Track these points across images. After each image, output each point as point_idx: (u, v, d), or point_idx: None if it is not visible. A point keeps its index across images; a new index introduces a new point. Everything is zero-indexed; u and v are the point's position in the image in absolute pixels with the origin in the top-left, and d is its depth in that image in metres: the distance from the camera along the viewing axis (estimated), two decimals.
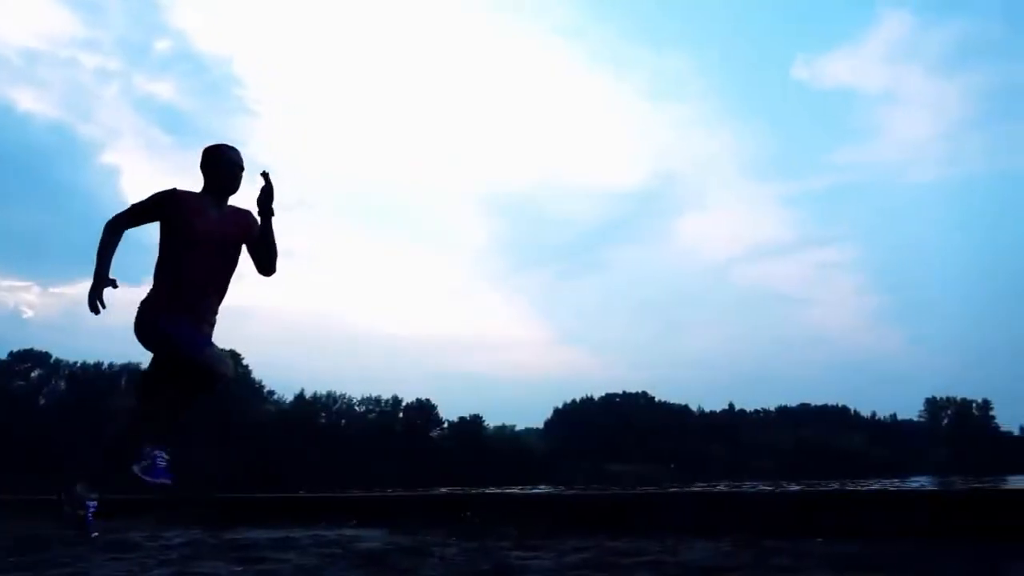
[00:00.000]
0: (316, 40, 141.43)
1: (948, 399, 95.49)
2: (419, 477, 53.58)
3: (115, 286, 3.17)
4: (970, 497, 2.60)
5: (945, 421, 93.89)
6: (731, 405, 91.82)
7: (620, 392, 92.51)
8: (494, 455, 72.46)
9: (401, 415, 76.80)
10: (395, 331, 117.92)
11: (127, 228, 3.29)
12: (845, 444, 76.84)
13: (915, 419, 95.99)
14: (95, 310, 3.11)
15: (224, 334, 3.42)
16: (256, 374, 67.01)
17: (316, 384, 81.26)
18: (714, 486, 27.42)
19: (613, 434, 79.80)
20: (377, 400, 76.10)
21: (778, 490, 4.09)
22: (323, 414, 72.36)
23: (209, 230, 3.28)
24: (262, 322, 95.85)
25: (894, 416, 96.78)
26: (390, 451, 65.08)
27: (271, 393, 69.13)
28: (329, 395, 73.29)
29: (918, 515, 2.49)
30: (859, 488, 4.33)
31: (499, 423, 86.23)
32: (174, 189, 3.33)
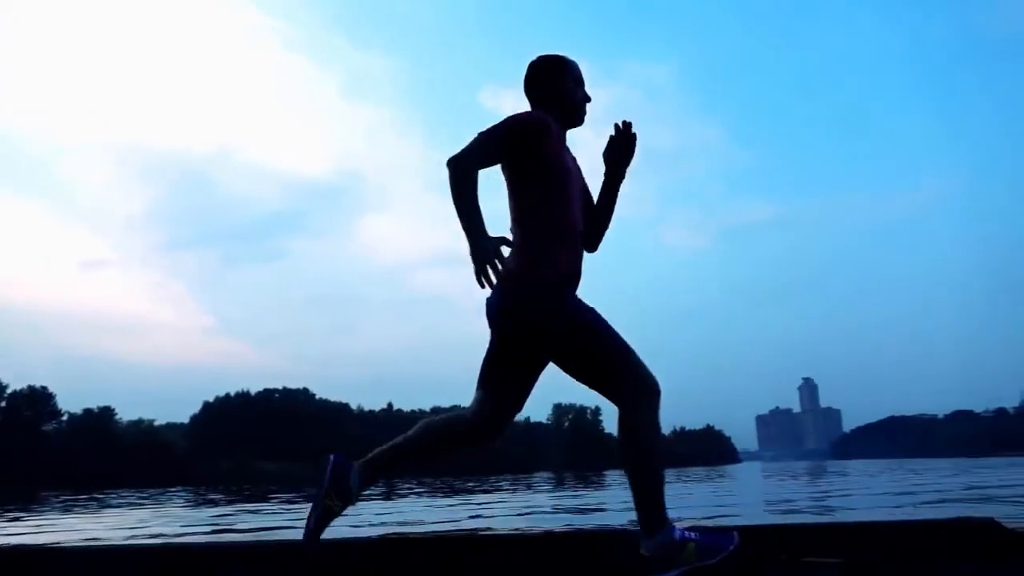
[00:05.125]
0: None
1: (570, 405, 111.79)
2: (24, 480, 45.02)
3: (508, 244, 2.06)
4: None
5: (567, 424, 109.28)
6: (390, 405, 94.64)
7: (280, 388, 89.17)
8: (125, 453, 63.99)
9: (3, 404, 63.47)
10: (5, 303, 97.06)
11: (482, 168, 2.11)
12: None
13: (544, 421, 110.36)
14: (486, 282, 1.97)
15: None
16: None
17: None
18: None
19: (268, 431, 76.29)
20: None
21: None
22: None
23: (575, 173, 2.28)
24: None
25: (528, 419, 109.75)
26: None
27: None
28: None
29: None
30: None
31: (135, 417, 77.27)
32: (543, 113, 2.23)
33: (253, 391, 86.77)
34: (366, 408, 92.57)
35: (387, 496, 15.24)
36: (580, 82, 2.30)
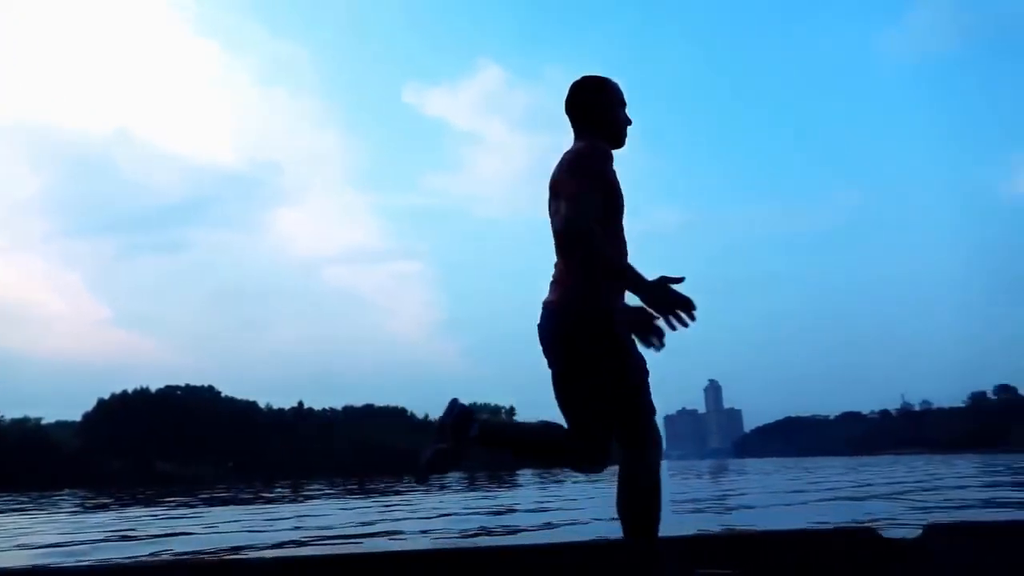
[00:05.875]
0: None
1: (484, 404, 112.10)
2: None
3: (674, 280, 1.94)
4: None
5: None
6: (300, 403, 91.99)
7: (182, 385, 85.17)
8: (7, 453, 59.55)
9: None
10: None
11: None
12: (404, 443, 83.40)
13: None
14: (679, 324, 1.93)
15: None
16: None
17: None
18: (273, 487, 26.76)
19: (168, 430, 72.69)
20: None
21: None
22: None
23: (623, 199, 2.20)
24: None
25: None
26: None
27: None
28: None
29: None
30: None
31: (19, 415, 71.97)
32: (598, 139, 2.18)
33: (153, 388, 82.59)
34: (275, 407, 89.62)
35: (296, 498, 14.84)
36: (623, 103, 2.27)
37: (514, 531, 6.14)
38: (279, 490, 21.33)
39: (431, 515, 8.59)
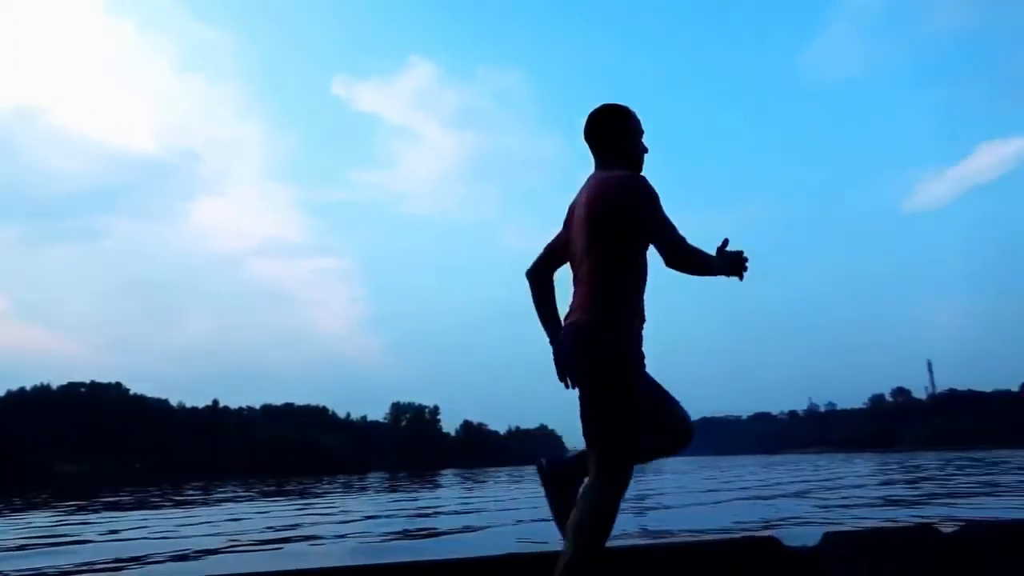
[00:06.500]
0: None
1: (409, 404, 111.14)
2: None
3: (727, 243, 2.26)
4: None
5: (404, 423, 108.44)
6: (215, 401, 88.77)
7: (87, 382, 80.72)
8: None
9: None
10: None
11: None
12: (324, 443, 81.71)
13: (381, 420, 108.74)
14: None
15: None
16: None
17: None
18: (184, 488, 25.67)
19: (71, 429, 68.70)
20: None
21: None
22: None
23: None
24: None
25: (365, 418, 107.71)
26: None
27: None
28: None
29: None
30: None
31: None
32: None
33: (55, 384, 77.99)
34: (189, 405, 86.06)
35: (207, 501, 14.28)
36: (642, 132, 2.35)
37: (434, 534, 6.10)
38: (190, 493, 20.49)
39: (353, 518, 8.43)
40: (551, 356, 2.31)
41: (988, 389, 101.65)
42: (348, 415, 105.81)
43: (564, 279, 2.31)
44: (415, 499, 12.46)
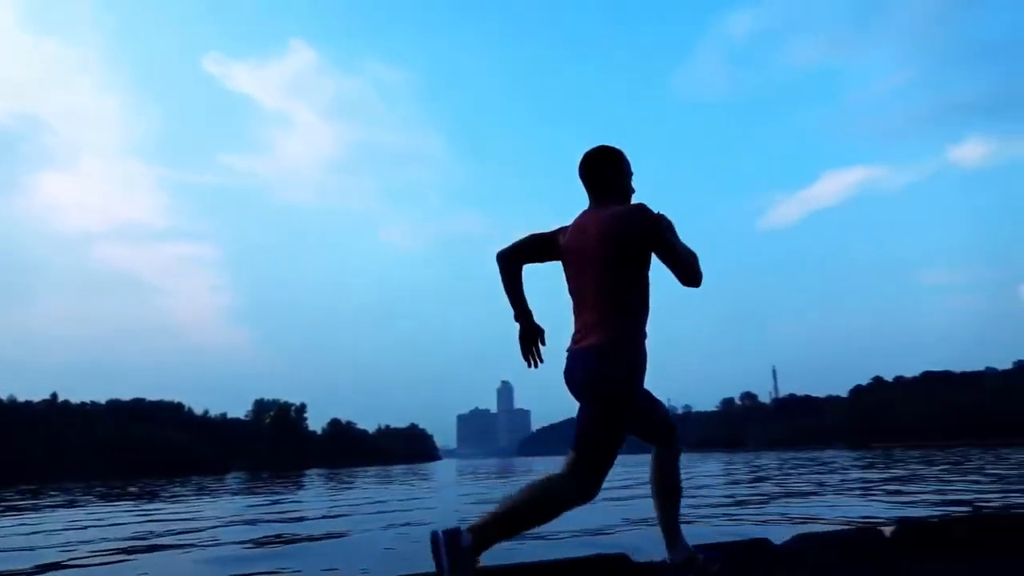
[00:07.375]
0: None
1: (273, 401, 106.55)
2: None
3: None
4: None
5: (268, 420, 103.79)
6: (55, 396, 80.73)
7: None
8: None
9: None
10: None
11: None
12: (177, 441, 76.63)
13: (243, 418, 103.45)
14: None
15: None
16: None
17: None
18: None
19: None
20: None
21: None
22: None
23: None
24: None
25: (225, 415, 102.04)
26: None
27: None
28: None
29: None
30: None
31: None
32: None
33: None
34: (21, 399, 77.55)
35: (36, 506, 13.00)
36: (632, 174, 2.52)
37: (292, 541, 5.89)
38: (16, 498, 18.58)
39: (202, 525, 7.96)
40: (514, 337, 2.48)
41: (822, 395, 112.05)
42: (206, 412, 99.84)
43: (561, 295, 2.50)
44: (280, 501, 11.97)
